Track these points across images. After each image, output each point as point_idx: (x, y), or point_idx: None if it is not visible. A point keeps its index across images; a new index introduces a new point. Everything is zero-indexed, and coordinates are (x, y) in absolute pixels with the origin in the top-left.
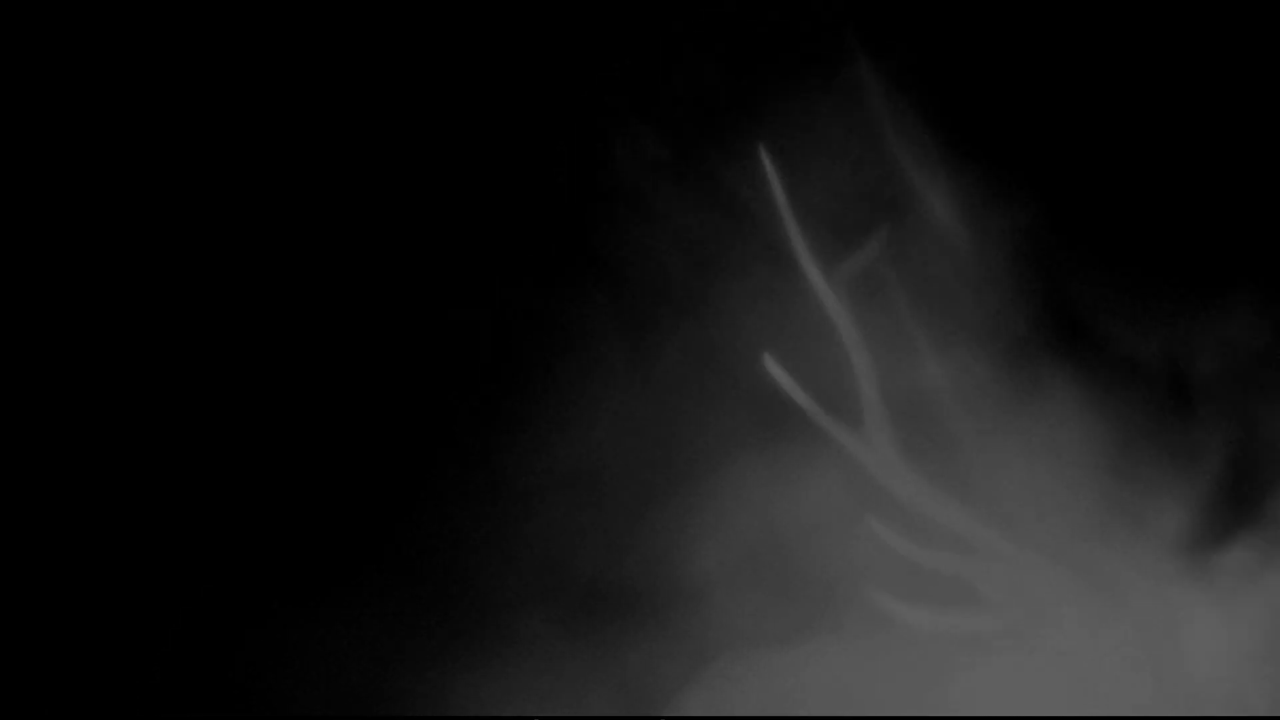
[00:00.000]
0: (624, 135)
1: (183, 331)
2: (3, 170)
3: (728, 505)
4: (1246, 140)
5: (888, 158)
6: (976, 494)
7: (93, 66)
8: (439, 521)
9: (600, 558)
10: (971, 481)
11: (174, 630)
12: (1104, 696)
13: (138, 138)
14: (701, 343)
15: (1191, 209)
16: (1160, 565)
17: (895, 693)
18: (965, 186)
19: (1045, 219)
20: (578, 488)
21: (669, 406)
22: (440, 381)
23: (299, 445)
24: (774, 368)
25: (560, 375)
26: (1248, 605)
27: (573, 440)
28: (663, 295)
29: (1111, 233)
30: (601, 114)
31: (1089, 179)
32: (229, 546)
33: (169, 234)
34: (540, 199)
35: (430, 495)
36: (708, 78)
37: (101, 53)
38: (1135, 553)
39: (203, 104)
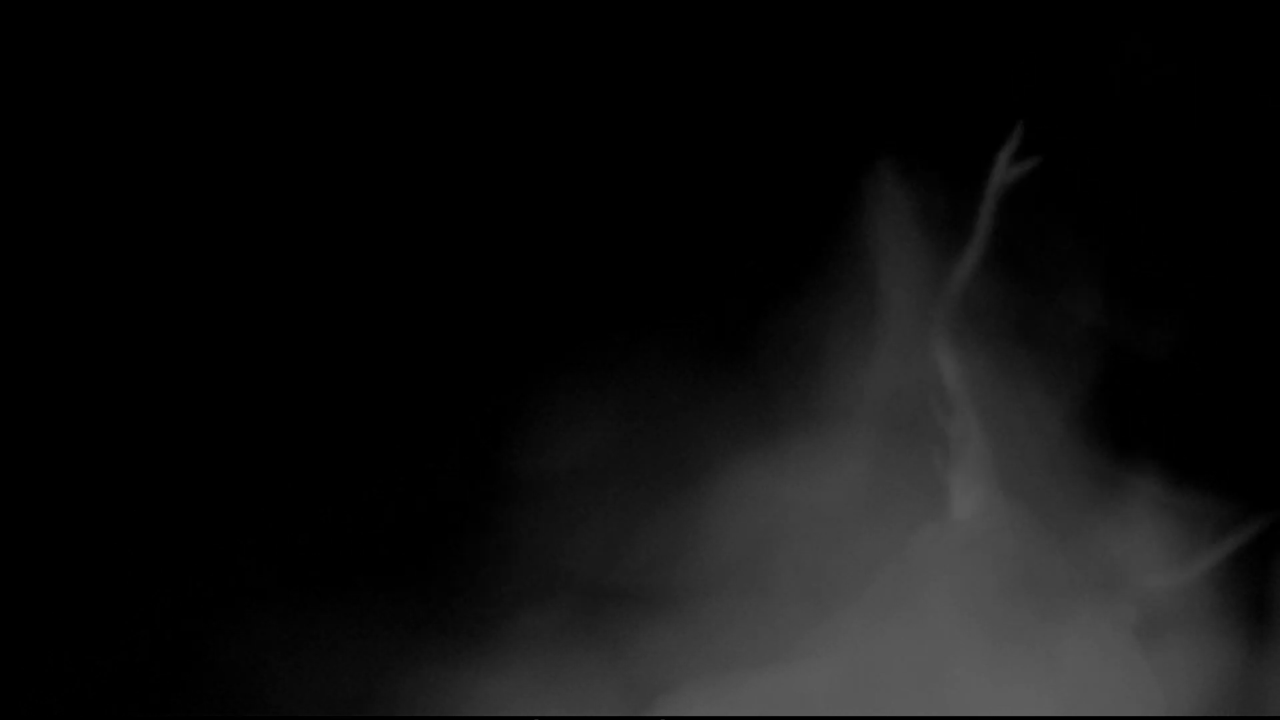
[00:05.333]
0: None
1: (183, 322)
2: (2, 170)
3: (729, 505)
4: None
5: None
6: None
7: (93, 66)
8: (438, 520)
9: (601, 557)
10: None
11: (170, 629)
12: (1102, 696)
13: (138, 138)
14: (704, 341)
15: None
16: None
17: (894, 691)
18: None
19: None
20: (579, 486)
21: (671, 405)
22: (440, 379)
23: (297, 442)
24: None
25: (561, 373)
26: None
27: (574, 438)
28: (666, 294)
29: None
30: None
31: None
32: (226, 545)
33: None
34: (542, 200)
35: (429, 494)
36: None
37: (101, 53)
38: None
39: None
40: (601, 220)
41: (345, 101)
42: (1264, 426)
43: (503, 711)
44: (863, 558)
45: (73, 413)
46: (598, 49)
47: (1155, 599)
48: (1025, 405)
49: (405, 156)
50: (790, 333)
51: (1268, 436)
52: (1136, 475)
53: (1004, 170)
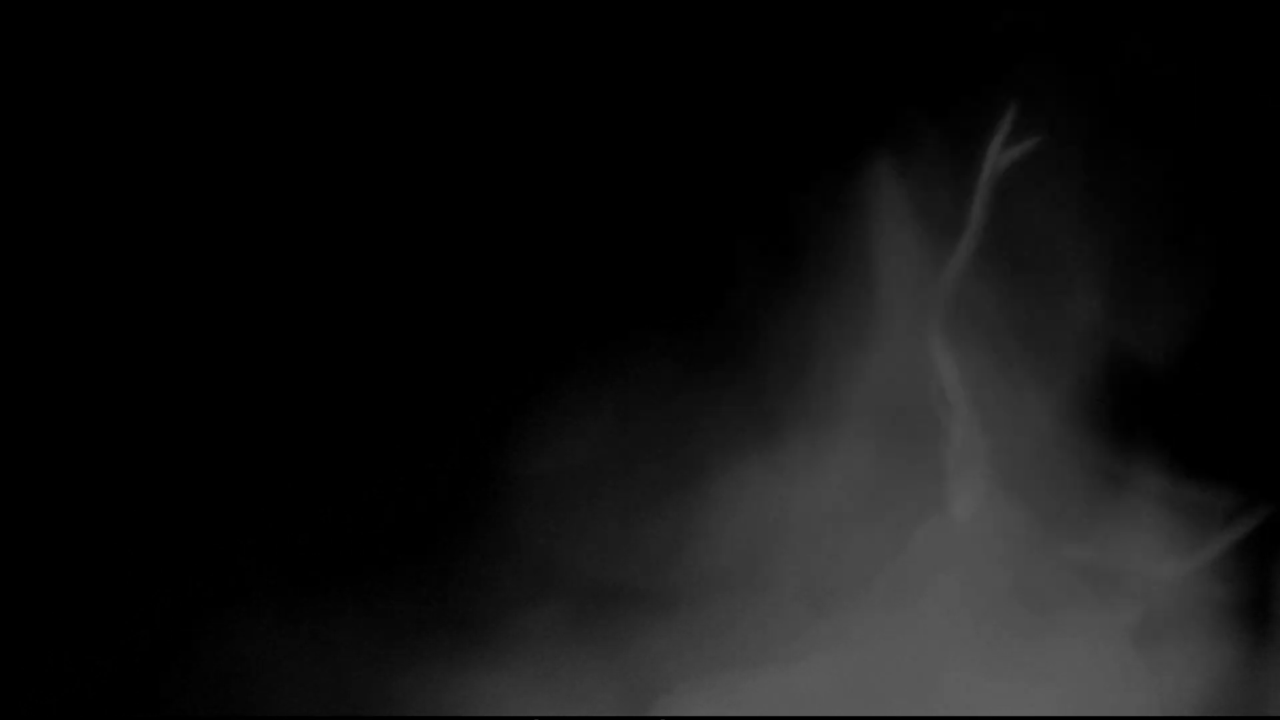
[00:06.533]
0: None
1: (182, 321)
2: (3, 170)
3: (729, 505)
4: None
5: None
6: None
7: (93, 66)
8: (438, 520)
9: (601, 557)
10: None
11: (170, 629)
12: (1100, 696)
13: (138, 138)
14: (705, 341)
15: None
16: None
17: (894, 691)
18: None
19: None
20: (579, 486)
21: (671, 405)
22: (440, 380)
23: (297, 442)
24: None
25: (560, 373)
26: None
27: (573, 439)
28: (665, 294)
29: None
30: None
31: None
32: (226, 545)
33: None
34: (540, 196)
35: (430, 493)
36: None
37: (101, 53)
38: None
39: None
40: (598, 221)
41: (343, 104)
42: (1264, 423)
43: (502, 711)
44: (863, 557)
45: (72, 412)
46: (590, 50)
47: (1154, 598)
48: (1024, 402)
49: (404, 158)
50: (788, 332)
51: (1267, 433)
52: (1135, 473)
53: (996, 158)
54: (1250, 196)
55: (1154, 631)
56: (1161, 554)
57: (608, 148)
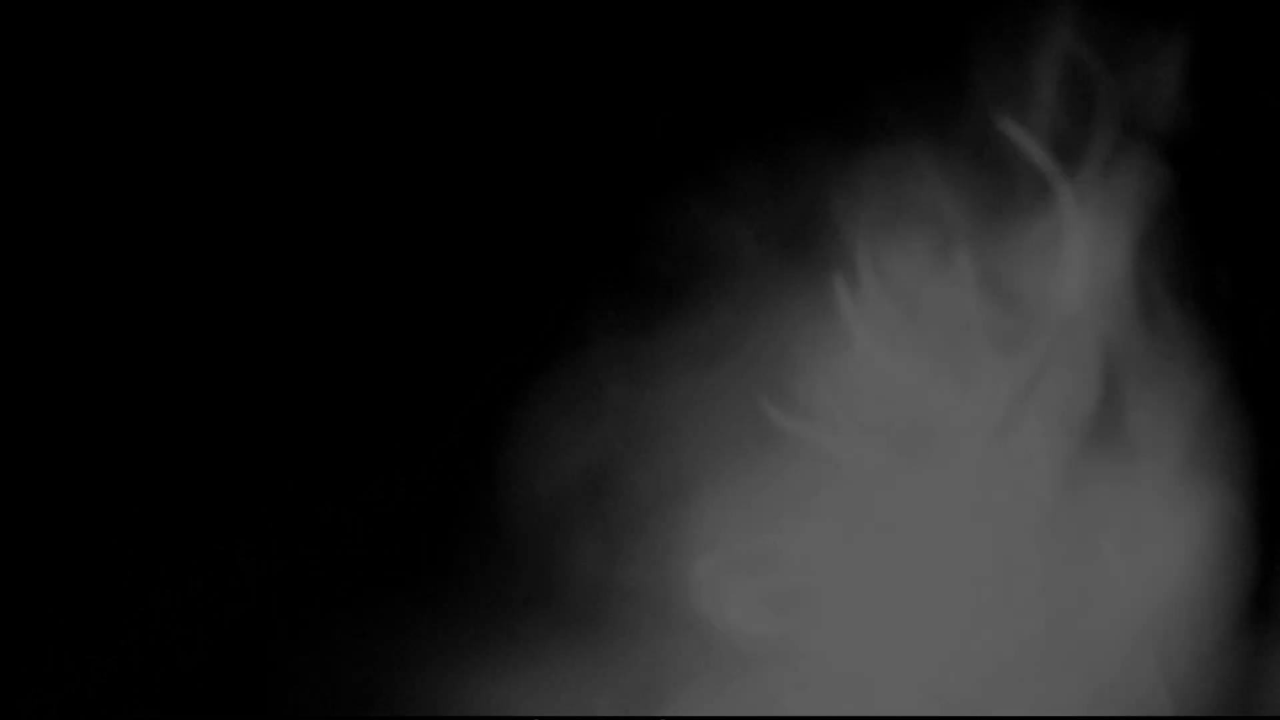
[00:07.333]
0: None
1: (182, 322)
2: (2, 170)
3: (729, 503)
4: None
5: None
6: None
7: (92, 66)
8: (438, 520)
9: (602, 558)
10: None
11: (168, 629)
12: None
13: (138, 137)
14: (706, 342)
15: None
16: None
17: (895, 690)
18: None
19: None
20: (579, 486)
21: (672, 407)
22: (440, 380)
23: (297, 443)
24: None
25: (562, 374)
26: None
27: (575, 440)
28: (666, 294)
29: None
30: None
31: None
32: (225, 545)
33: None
34: (538, 198)
35: (429, 494)
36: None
37: (101, 53)
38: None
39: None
40: (597, 223)
41: (339, 104)
42: (1270, 419)
43: (503, 712)
44: (865, 556)
45: (73, 413)
46: (582, 49)
47: (1160, 592)
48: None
49: (404, 158)
50: (788, 328)
51: (1273, 429)
52: (1143, 466)
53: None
54: (1251, 197)
55: (1159, 624)
56: (1166, 550)
57: (601, 150)
